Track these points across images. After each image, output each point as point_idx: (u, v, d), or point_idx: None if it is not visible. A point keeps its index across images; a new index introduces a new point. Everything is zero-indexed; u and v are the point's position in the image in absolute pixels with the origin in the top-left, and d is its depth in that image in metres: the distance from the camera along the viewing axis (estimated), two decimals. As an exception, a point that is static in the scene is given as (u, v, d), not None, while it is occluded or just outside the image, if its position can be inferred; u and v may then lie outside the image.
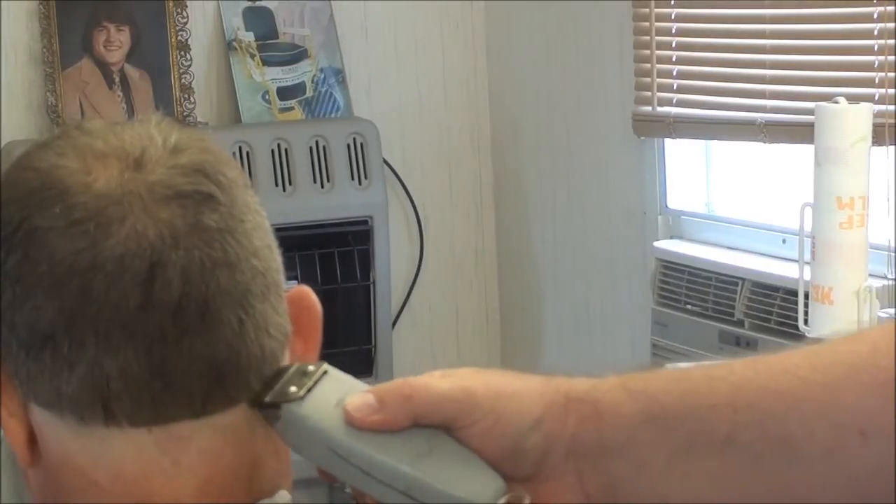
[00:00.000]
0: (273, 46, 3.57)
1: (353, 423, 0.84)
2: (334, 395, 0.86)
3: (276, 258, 0.89)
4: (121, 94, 3.44)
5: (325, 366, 0.88)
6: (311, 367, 0.88)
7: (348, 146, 3.48)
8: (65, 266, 0.82)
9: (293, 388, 0.86)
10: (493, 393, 0.85)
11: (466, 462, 0.85)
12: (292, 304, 0.90)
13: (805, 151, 2.67)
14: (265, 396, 0.86)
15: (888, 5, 2.66)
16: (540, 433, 0.84)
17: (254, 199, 0.89)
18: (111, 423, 0.84)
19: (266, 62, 3.55)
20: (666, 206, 3.32)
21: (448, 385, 0.85)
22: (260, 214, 0.89)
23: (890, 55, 2.66)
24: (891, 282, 2.62)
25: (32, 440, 0.87)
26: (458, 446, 0.85)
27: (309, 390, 0.86)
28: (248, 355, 0.85)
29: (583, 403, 0.85)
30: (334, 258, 3.49)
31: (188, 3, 3.50)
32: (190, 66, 3.49)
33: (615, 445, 0.85)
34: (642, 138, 3.28)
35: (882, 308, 2.48)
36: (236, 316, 0.84)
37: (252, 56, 3.55)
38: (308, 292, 0.92)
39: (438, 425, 0.84)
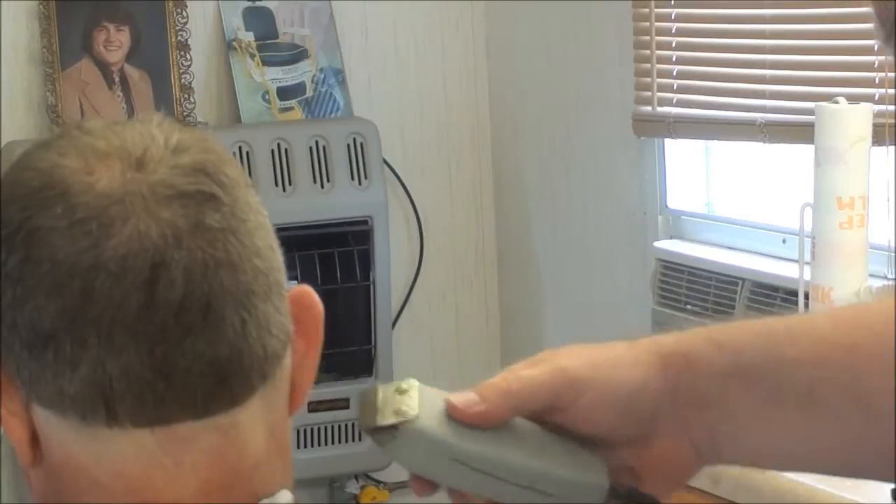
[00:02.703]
0: (273, 46, 3.57)
1: (457, 416, 0.87)
2: (438, 407, 0.89)
3: (278, 258, 0.89)
4: (121, 94, 3.44)
5: (414, 380, 0.91)
6: (403, 385, 0.90)
7: (348, 146, 3.48)
8: (67, 266, 0.82)
9: (405, 407, 0.88)
10: (588, 365, 0.88)
11: (571, 448, 0.89)
12: (294, 303, 0.90)
13: (805, 151, 2.66)
14: (376, 420, 0.88)
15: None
16: (648, 393, 0.87)
17: (255, 198, 0.89)
18: (114, 423, 0.84)
19: (266, 62, 3.55)
20: (666, 206, 3.31)
21: (541, 370, 0.88)
22: (262, 214, 0.89)
23: (890, 55, 2.65)
24: (891, 282, 2.62)
25: (34, 440, 0.87)
26: (556, 436, 0.89)
27: (421, 406, 0.89)
28: (250, 355, 0.85)
29: (675, 357, 0.88)
30: (334, 258, 3.49)
31: (188, 3, 3.50)
32: (190, 66, 3.49)
33: (709, 395, 0.88)
34: (642, 138, 3.28)
35: (882, 308, 2.47)
36: (239, 316, 0.84)
37: (252, 56, 3.55)
38: (309, 291, 0.92)
39: (541, 411, 0.87)
